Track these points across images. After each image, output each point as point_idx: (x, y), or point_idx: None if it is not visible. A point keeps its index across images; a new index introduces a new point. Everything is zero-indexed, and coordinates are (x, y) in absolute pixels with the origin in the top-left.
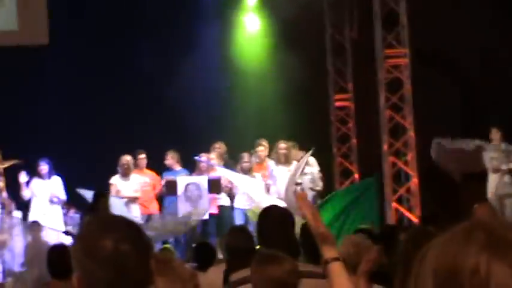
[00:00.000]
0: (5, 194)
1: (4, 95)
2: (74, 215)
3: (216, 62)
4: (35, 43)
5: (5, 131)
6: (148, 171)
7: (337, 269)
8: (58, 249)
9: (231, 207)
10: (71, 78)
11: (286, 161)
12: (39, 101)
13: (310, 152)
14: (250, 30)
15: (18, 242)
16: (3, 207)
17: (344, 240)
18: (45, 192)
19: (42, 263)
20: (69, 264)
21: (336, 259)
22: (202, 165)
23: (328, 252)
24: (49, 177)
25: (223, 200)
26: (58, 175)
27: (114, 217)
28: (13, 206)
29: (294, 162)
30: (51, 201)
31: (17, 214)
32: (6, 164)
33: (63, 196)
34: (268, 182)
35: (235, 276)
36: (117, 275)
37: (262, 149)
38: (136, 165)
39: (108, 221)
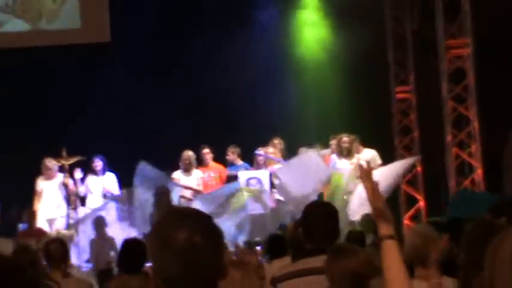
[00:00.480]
0: (71, 189)
1: (66, 92)
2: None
3: (275, 57)
4: (96, 41)
5: (66, 128)
6: (214, 165)
7: (390, 247)
8: (130, 244)
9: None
10: (131, 76)
11: (348, 154)
12: (100, 97)
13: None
14: (310, 24)
15: (83, 237)
16: (69, 203)
17: (410, 231)
18: (100, 189)
19: (106, 258)
20: (140, 259)
21: (390, 237)
22: (260, 159)
23: (383, 230)
24: (103, 174)
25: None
26: (112, 171)
27: (188, 209)
28: (78, 201)
29: (356, 156)
30: (105, 197)
31: (83, 210)
32: (71, 161)
33: (117, 192)
34: None
35: (279, 272)
36: (190, 266)
37: (335, 142)
38: (200, 160)
39: (182, 214)
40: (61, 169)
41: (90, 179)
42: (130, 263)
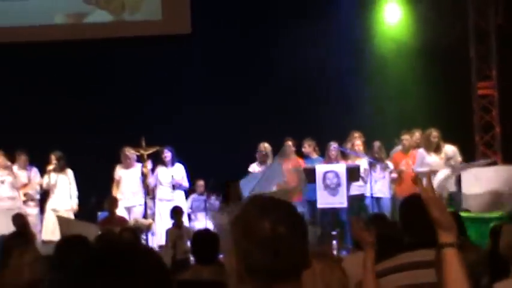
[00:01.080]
0: (150, 180)
1: (144, 82)
2: (214, 201)
3: (353, 51)
4: (177, 32)
5: (144, 118)
6: (295, 158)
7: (450, 256)
8: (204, 234)
9: (363, 196)
10: (210, 67)
11: (437, 149)
12: (179, 89)
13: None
14: (390, 18)
15: (159, 225)
16: (147, 193)
17: (504, 230)
18: (169, 180)
19: (183, 247)
20: (213, 249)
21: (451, 245)
22: (332, 153)
23: (442, 237)
24: (172, 165)
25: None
26: (180, 163)
27: (273, 200)
28: (156, 191)
29: (444, 151)
30: (174, 188)
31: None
32: (150, 151)
33: (186, 183)
34: (417, 169)
35: (390, 262)
36: (273, 256)
37: (408, 138)
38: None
39: (266, 203)
40: (139, 159)
41: (160, 170)
42: (203, 254)
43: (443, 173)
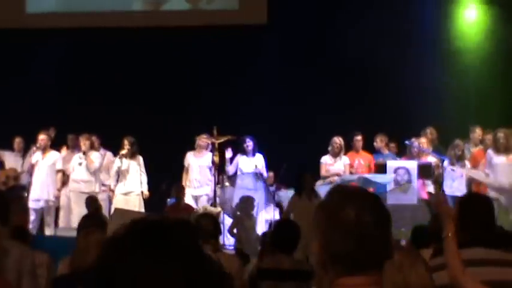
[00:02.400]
0: (228, 168)
1: (222, 72)
2: (283, 192)
3: (431, 46)
4: (253, 22)
5: (218, 107)
6: (364, 153)
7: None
8: (286, 224)
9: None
10: (285, 58)
11: (505, 149)
12: (255, 78)
13: None
14: (470, 16)
15: (228, 216)
16: (216, 181)
17: None
18: (250, 169)
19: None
20: (296, 239)
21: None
22: (414, 150)
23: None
24: (253, 155)
25: (431, 186)
26: (260, 153)
27: (358, 188)
28: (226, 180)
29: None
30: (256, 177)
31: (229, 189)
32: (222, 139)
33: (265, 174)
34: (486, 171)
35: (433, 262)
36: (357, 245)
37: (476, 136)
38: (352, 146)
39: (351, 192)
40: (212, 147)
41: (241, 159)
42: (284, 243)
43: None
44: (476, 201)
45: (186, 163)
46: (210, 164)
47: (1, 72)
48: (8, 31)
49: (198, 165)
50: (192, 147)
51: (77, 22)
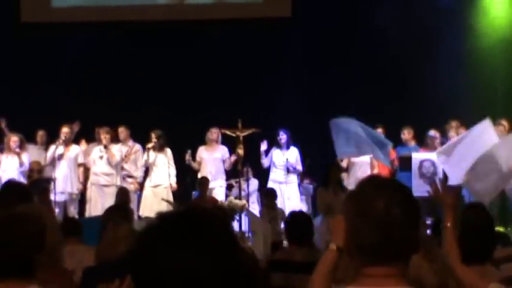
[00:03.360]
0: (263, 161)
1: (247, 65)
2: (308, 185)
3: (462, 43)
4: (277, 15)
5: (246, 100)
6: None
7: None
8: (298, 216)
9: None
10: (311, 51)
11: None
12: (279, 71)
13: None
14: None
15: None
16: (241, 174)
17: None
18: (283, 162)
19: (276, 229)
20: (308, 232)
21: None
22: (436, 142)
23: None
24: (287, 148)
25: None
26: (295, 146)
27: (389, 180)
28: (250, 173)
29: None
30: (288, 171)
31: (254, 182)
32: (246, 132)
33: (299, 167)
34: None
35: (498, 254)
36: (385, 236)
37: (502, 128)
38: None
39: (382, 183)
40: (236, 140)
41: (275, 152)
42: (296, 235)
43: None
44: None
45: (198, 157)
46: (222, 157)
47: (26, 65)
48: (34, 24)
49: (212, 158)
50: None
51: (102, 16)
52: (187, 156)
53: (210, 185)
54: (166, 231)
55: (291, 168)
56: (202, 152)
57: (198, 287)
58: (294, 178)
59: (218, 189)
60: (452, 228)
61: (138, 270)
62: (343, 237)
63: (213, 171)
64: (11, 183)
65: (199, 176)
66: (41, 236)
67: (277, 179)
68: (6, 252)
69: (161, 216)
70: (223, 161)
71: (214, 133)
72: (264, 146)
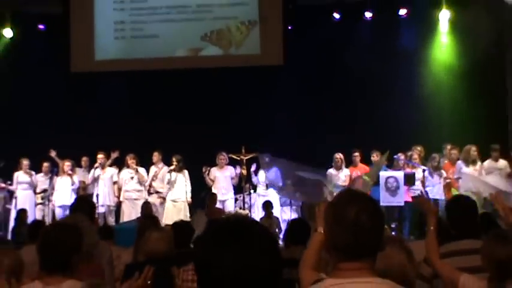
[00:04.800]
0: (254, 179)
1: (248, 103)
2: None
3: (415, 74)
4: (272, 63)
5: (248, 130)
6: (361, 165)
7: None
8: (298, 222)
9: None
10: (298, 91)
11: (474, 161)
12: (274, 107)
13: None
14: (442, 45)
15: (256, 215)
16: (243, 190)
17: None
18: (265, 180)
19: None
20: (306, 234)
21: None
22: (401, 163)
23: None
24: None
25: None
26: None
27: (359, 192)
28: (251, 188)
29: (478, 164)
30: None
31: (254, 195)
32: (248, 156)
33: (280, 184)
34: (454, 176)
35: (443, 249)
36: (354, 238)
37: (456, 152)
38: (351, 161)
39: (353, 195)
40: (240, 162)
41: (260, 172)
42: (296, 237)
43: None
44: (463, 202)
45: (212, 176)
46: (231, 175)
47: (74, 105)
48: (80, 74)
49: (223, 176)
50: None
51: (133, 66)
52: (204, 169)
53: (223, 197)
54: (227, 236)
55: (270, 185)
56: (215, 171)
57: (257, 279)
58: (273, 192)
59: (229, 201)
60: (434, 231)
61: (207, 268)
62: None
63: (225, 186)
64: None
65: (213, 190)
66: (78, 242)
67: (261, 193)
68: (50, 254)
69: (218, 224)
70: (232, 178)
71: (223, 157)
72: (253, 168)
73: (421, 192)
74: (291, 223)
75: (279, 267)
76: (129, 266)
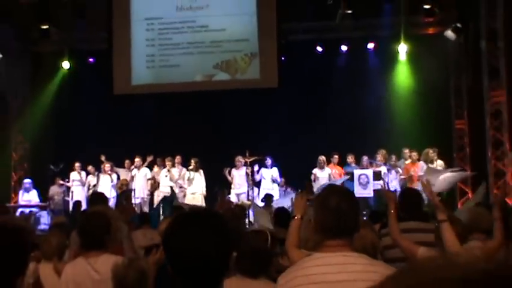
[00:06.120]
0: (256, 177)
1: (250, 117)
2: (291, 191)
3: (385, 94)
4: (269, 86)
5: (251, 139)
6: (337, 166)
7: (446, 227)
8: (280, 210)
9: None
10: (291, 108)
11: (432, 162)
12: (270, 121)
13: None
14: (403, 72)
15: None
16: (249, 185)
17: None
18: (269, 177)
19: (269, 225)
20: (286, 220)
21: (445, 221)
22: (365, 164)
23: (440, 216)
24: (271, 167)
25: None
26: (276, 166)
27: (339, 187)
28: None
29: (436, 162)
30: (273, 182)
31: (256, 190)
32: (252, 158)
33: (279, 180)
34: (418, 174)
35: (382, 232)
36: (336, 222)
37: (415, 154)
38: (331, 161)
39: (335, 189)
40: (245, 163)
41: (263, 170)
42: (280, 222)
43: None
44: (411, 193)
45: (232, 174)
46: (245, 174)
47: (116, 120)
48: (121, 95)
49: (239, 175)
50: (232, 164)
51: (162, 89)
52: (226, 170)
53: (238, 191)
54: (186, 221)
55: (275, 181)
56: (233, 171)
57: (204, 259)
58: (276, 187)
59: (243, 194)
60: (394, 213)
61: (168, 245)
62: (302, 210)
63: (240, 183)
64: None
65: (232, 186)
66: (107, 225)
67: (265, 187)
68: (89, 234)
69: (185, 212)
70: (245, 176)
71: (239, 159)
72: (256, 167)
73: (382, 184)
74: (276, 211)
75: (227, 247)
76: (147, 247)
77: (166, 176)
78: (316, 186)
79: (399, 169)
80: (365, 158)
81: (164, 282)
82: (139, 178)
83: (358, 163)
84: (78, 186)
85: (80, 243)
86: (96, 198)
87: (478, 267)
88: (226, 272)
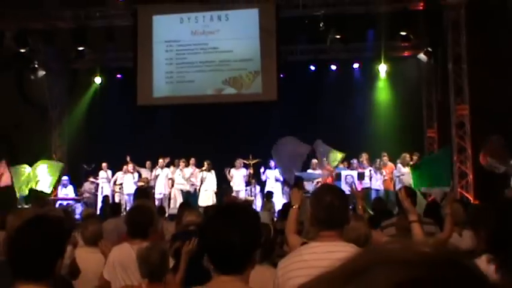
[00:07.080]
0: (262, 177)
1: (252, 127)
2: (288, 189)
3: (367, 107)
4: (270, 99)
5: (254, 144)
6: (328, 167)
7: (415, 227)
8: (286, 205)
9: (368, 188)
10: (288, 117)
11: (408, 165)
12: (270, 130)
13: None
14: (382, 88)
15: (258, 203)
16: (249, 184)
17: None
18: (272, 177)
19: (272, 215)
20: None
21: (415, 221)
22: (354, 166)
23: (411, 217)
24: (275, 169)
25: (367, 184)
26: (279, 168)
27: (332, 185)
28: (256, 183)
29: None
30: (276, 181)
31: (258, 188)
32: (254, 161)
33: (281, 178)
34: (396, 174)
35: (384, 223)
36: (329, 216)
37: (386, 157)
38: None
39: (328, 187)
40: (248, 166)
41: (268, 171)
42: (285, 215)
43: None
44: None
45: (231, 174)
46: (244, 174)
47: (140, 127)
48: (143, 106)
49: (238, 175)
50: (233, 165)
51: (179, 101)
52: (226, 170)
53: (237, 189)
54: (217, 216)
55: (278, 180)
56: (233, 171)
57: (233, 250)
58: (278, 185)
59: (242, 192)
60: (362, 208)
61: (203, 237)
62: (299, 200)
63: (239, 182)
64: (139, 190)
65: (230, 184)
66: (151, 218)
67: (270, 185)
68: (136, 225)
69: (217, 207)
70: (244, 176)
71: (239, 161)
72: (262, 169)
73: (353, 184)
74: (282, 206)
75: (256, 237)
76: (174, 235)
77: (179, 174)
78: (311, 186)
79: (384, 171)
80: (355, 161)
81: (195, 270)
82: (162, 177)
83: (349, 166)
84: (105, 183)
85: (127, 231)
86: (142, 193)
87: (421, 251)
88: (250, 263)
